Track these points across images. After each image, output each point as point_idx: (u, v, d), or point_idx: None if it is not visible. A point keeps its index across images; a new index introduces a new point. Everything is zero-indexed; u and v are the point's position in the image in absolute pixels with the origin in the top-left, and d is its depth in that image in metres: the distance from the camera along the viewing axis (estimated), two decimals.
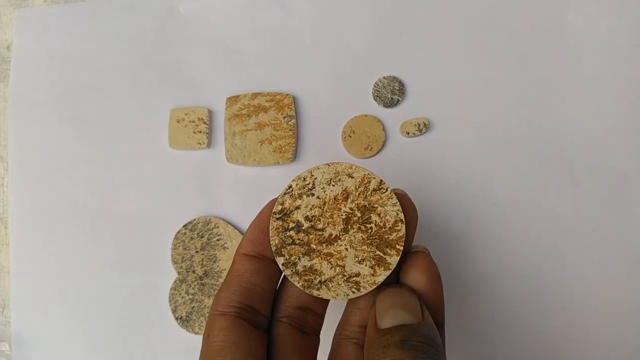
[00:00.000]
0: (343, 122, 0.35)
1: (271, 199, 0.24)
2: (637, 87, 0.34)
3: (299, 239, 0.23)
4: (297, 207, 0.23)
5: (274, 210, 0.23)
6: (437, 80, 0.35)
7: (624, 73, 0.34)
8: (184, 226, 0.34)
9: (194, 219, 0.34)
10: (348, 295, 0.22)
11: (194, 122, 0.35)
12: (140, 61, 0.36)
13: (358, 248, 0.22)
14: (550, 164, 0.34)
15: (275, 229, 0.23)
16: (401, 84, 0.35)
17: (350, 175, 0.23)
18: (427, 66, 0.35)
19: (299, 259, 0.23)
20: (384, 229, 0.22)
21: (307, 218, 0.23)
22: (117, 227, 0.35)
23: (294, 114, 0.35)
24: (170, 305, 0.34)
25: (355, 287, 0.22)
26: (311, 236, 0.23)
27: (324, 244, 0.23)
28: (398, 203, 0.22)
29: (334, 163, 0.23)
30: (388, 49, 0.35)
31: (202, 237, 0.34)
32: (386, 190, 0.23)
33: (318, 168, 0.23)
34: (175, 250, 0.34)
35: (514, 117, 0.34)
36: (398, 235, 0.22)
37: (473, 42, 0.35)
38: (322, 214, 0.23)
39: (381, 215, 0.23)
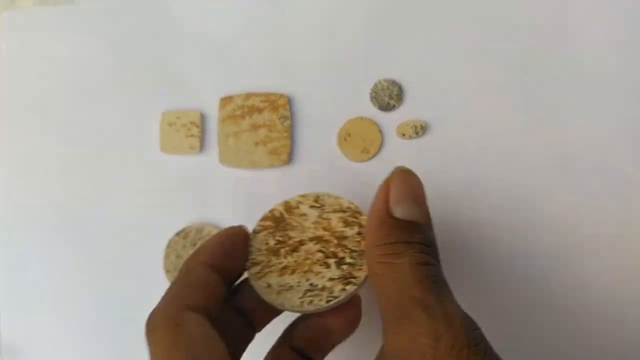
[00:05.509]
0: (338, 123, 0.34)
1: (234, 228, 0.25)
2: (638, 86, 0.33)
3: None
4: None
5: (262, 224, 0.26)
6: (435, 81, 0.34)
7: (625, 73, 0.33)
8: (176, 234, 0.33)
9: (187, 226, 0.33)
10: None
11: (185, 125, 0.34)
12: (131, 64, 0.35)
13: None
14: (550, 165, 0.33)
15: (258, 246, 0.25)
16: (400, 90, 0.33)
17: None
18: (424, 67, 0.34)
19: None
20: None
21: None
22: (107, 235, 0.34)
23: (289, 114, 0.34)
24: None
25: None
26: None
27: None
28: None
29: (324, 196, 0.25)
30: (385, 50, 0.34)
31: (195, 245, 0.33)
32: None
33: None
34: (167, 259, 0.33)
35: (512, 118, 0.33)
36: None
37: (472, 42, 0.34)
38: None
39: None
